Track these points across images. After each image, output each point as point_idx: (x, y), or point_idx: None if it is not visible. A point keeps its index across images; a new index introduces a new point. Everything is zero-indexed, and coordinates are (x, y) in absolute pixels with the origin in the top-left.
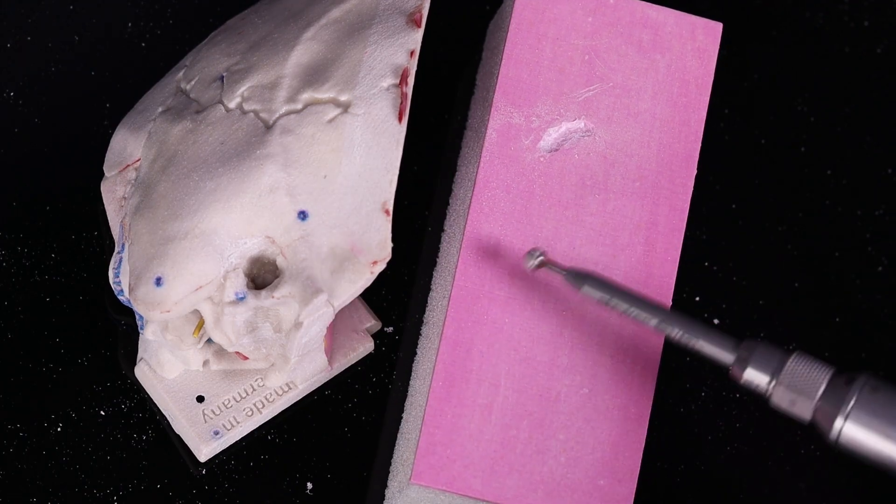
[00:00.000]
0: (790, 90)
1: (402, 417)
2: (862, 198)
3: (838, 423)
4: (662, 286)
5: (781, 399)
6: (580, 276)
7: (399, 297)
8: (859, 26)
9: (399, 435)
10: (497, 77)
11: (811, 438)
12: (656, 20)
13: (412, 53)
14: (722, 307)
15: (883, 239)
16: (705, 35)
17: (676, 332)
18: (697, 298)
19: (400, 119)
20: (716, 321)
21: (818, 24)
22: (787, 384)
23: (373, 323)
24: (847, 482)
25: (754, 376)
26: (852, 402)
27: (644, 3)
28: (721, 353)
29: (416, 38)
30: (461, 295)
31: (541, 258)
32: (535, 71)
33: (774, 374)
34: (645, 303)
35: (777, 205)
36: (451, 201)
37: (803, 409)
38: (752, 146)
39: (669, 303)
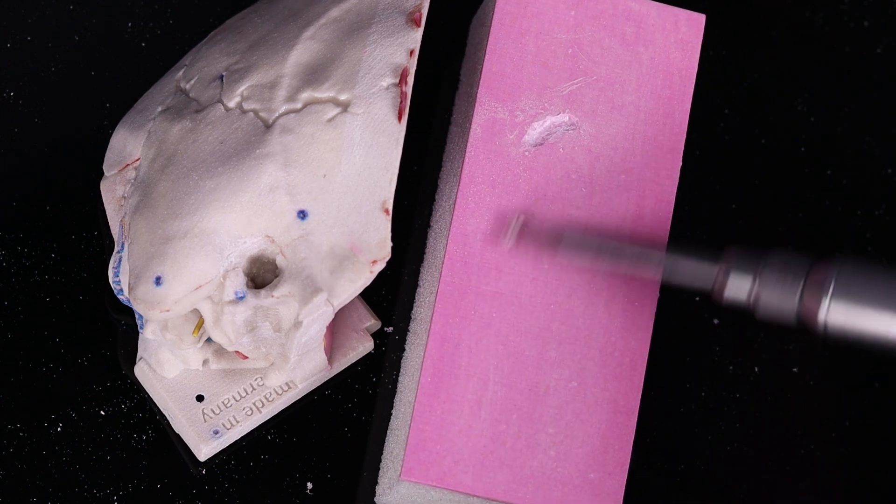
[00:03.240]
0: (790, 90)
1: (391, 414)
2: (862, 198)
3: (824, 304)
4: (650, 279)
5: (768, 299)
6: (556, 238)
7: (399, 296)
8: (859, 26)
9: (389, 431)
10: (481, 72)
11: (810, 438)
12: (639, 13)
13: (412, 53)
14: (722, 306)
15: (883, 239)
16: (688, 27)
17: (654, 269)
18: (697, 298)
19: (399, 118)
20: (716, 321)
21: (818, 24)
22: (768, 283)
23: (372, 322)
24: (847, 482)
25: (736, 287)
26: (833, 283)
27: None
28: (703, 269)
29: (415, 37)
30: (448, 291)
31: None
32: (518, 65)
33: (756, 274)
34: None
35: (777, 205)
36: (436, 197)
37: (787, 301)
38: (752, 146)
39: (657, 296)
